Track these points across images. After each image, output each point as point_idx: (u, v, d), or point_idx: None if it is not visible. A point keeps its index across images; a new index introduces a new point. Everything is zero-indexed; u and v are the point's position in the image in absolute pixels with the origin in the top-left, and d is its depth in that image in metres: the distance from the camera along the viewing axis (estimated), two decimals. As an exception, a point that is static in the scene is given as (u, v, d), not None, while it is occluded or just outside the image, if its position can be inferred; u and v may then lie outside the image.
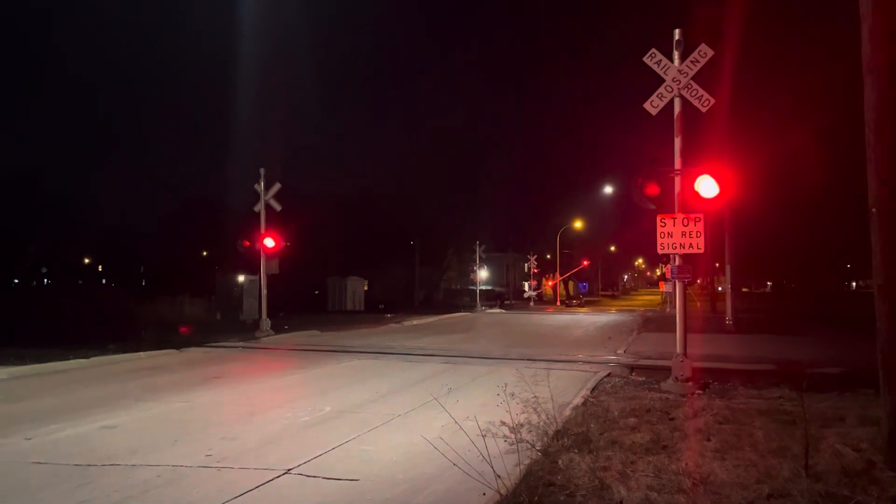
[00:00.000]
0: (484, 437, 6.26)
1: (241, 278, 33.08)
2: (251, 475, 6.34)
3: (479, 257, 50.09)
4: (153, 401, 10.25)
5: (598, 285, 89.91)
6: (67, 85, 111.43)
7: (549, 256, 68.62)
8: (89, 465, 6.61)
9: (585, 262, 64.18)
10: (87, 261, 72.02)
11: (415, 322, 31.14)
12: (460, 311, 43.19)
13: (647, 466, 6.09)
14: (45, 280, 63.93)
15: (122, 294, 42.61)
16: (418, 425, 8.39)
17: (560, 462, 6.19)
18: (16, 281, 59.35)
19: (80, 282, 58.14)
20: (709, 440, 7.14)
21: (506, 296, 62.68)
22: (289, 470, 6.49)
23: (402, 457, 7.07)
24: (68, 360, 14.76)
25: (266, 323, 22.64)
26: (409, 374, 13.44)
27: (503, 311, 48.41)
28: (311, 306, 39.96)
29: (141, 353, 16.46)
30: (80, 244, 67.62)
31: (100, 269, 72.45)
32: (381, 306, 43.77)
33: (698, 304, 49.47)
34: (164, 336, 20.14)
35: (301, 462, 6.73)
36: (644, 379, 12.27)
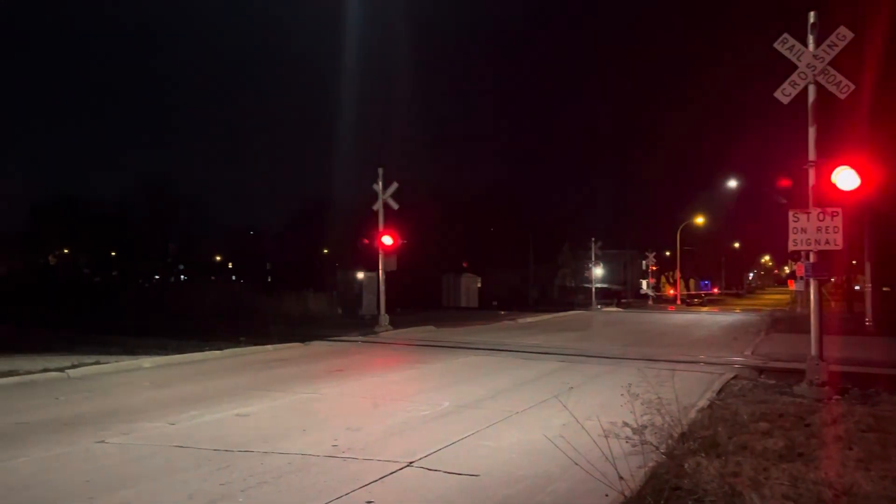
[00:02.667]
0: (606, 437, 6.14)
1: (360, 275, 34.07)
2: (375, 466, 6.52)
3: (595, 254, 49.18)
4: (282, 391, 10.76)
5: (722, 283, 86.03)
6: (196, 95, 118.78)
7: (668, 253, 66.34)
8: (226, 451, 7.02)
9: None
10: (218, 258, 76.45)
11: (529, 319, 30.99)
12: (575, 310, 42.57)
13: (781, 474, 5.77)
14: (182, 276, 68.34)
15: (250, 290, 45.02)
16: (537, 423, 8.35)
17: (686, 466, 5.97)
18: (156, 276, 63.97)
19: (213, 278, 61.78)
20: (850, 449, 6.68)
21: (623, 294, 61.20)
22: (411, 462, 6.63)
23: (521, 454, 7.06)
24: (204, 350, 15.74)
25: (384, 318, 23.22)
26: (525, 371, 13.39)
27: (620, 309, 47.31)
28: (425, 303, 40.60)
29: (269, 346, 17.29)
30: (212, 243, 71.93)
31: (230, 266, 76.66)
32: (495, 303, 43.84)
33: (833, 304, 46.32)
34: (290, 330, 21.06)
35: (422, 455, 6.86)
36: (774, 382, 11.62)
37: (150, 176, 64.11)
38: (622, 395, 8.49)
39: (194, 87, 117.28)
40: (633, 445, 6.47)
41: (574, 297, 54.06)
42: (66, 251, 67.43)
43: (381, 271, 23.90)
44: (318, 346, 18.33)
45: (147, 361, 13.86)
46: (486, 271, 50.37)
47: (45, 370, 12.16)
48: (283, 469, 6.39)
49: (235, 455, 6.86)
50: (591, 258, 49.38)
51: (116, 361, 13.52)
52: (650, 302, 57.44)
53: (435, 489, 5.92)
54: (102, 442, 7.38)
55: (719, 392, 10.50)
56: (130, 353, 14.70)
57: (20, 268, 61.21)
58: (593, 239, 48.97)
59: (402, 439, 7.64)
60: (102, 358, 13.76)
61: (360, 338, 20.56)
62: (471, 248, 50.33)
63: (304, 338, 19.21)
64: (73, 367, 12.62)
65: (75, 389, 10.87)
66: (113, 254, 65.41)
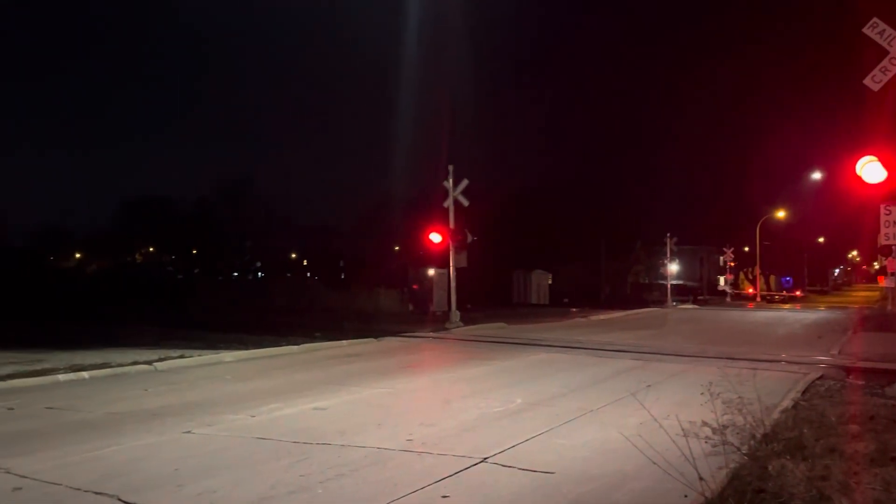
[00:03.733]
0: (685, 436, 6.00)
1: (431, 272, 34.33)
2: (449, 461, 6.57)
3: (670, 250, 48.06)
4: (357, 385, 10.96)
5: (805, 280, 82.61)
6: (272, 97, 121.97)
7: (746, 249, 64.16)
8: (305, 443, 7.20)
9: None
10: (293, 256, 78.33)
11: (601, 317, 30.55)
12: (649, 307, 41.70)
13: (873, 479, 5.51)
14: (259, 273, 70.36)
15: (323, 286, 46.01)
16: (612, 421, 8.24)
17: (770, 468, 5.77)
18: (235, 274, 66.11)
19: (288, 275, 63.39)
20: (949, 454, 6.31)
21: (699, 291, 59.57)
22: (485, 458, 6.64)
23: (596, 452, 6.98)
24: (281, 346, 16.20)
25: (455, 315, 23.33)
26: (598, 369, 13.23)
27: (696, 306, 46.08)
28: (496, 299, 40.56)
29: (343, 342, 17.63)
30: (288, 241, 73.72)
31: (304, 263, 78.40)
32: (566, 300, 43.40)
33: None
34: (363, 326, 21.42)
35: (496, 451, 6.87)
36: (864, 383, 11.10)
37: (230, 176, 66.34)
38: (701, 394, 8.28)
39: (269, 88, 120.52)
40: (714, 446, 6.31)
41: (648, 294, 52.98)
42: (151, 249, 70.50)
43: (451, 268, 24.02)
44: (390, 341, 18.57)
45: (228, 356, 14.36)
46: (557, 268, 49.91)
47: (135, 363, 12.76)
48: (360, 462, 6.51)
49: (313, 447, 7.02)
50: (665, 254, 48.27)
51: (199, 355, 14.07)
52: (728, 299, 55.74)
53: (509, 485, 5.92)
54: (189, 432, 7.69)
55: (804, 392, 10.11)
56: (212, 348, 15.27)
57: (109, 266, 64.38)
58: (668, 234, 47.84)
59: (475, 435, 7.67)
60: (187, 352, 14.35)
61: (432, 334, 20.72)
62: (542, 245, 49.95)
63: (376, 333, 19.50)
64: (160, 360, 13.20)
65: (162, 382, 11.37)
66: (195, 252, 67.96)
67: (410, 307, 33.80)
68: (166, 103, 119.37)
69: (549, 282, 48.22)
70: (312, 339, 17.64)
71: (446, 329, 22.09)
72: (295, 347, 16.22)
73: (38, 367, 12.17)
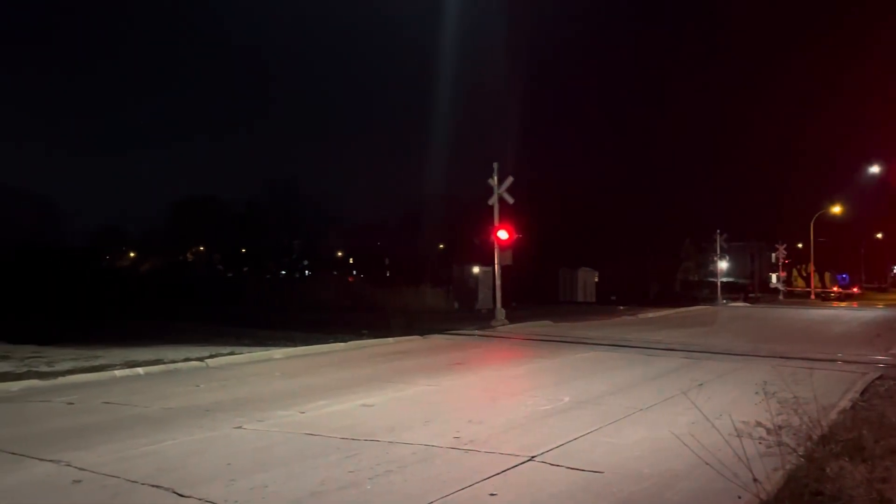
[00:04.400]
0: (739, 436, 5.87)
1: (475, 269, 34.30)
2: (497, 459, 6.55)
3: (720, 247, 47.12)
4: (404, 383, 11.02)
5: (862, 277, 79.99)
6: (318, 98, 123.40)
7: (800, 245, 62.46)
8: (353, 439, 7.27)
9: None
10: (339, 254, 79.19)
11: (650, 315, 30.11)
12: (699, 305, 40.96)
13: (938, 482, 5.31)
14: (306, 272, 71.32)
15: (369, 284, 46.38)
16: (663, 420, 8.11)
17: (828, 470, 5.60)
18: (283, 272, 67.18)
19: (335, 273, 64.11)
20: None
21: (750, 288, 58.24)
22: (533, 457, 6.61)
23: (646, 451, 6.88)
24: (329, 343, 16.38)
25: (501, 312, 23.27)
26: (647, 367, 13.04)
27: (748, 304, 45.09)
28: (541, 297, 40.30)
29: (389, 339, 17.74)
30: (334, 239, 74.59)
31: (350, 261, 79.18)
32: (613, 298, 42.88)
33: None
34: (408, 323, 21.51)
35: (544, 450, 6.82)
36: (927, 383, 10.69)
37: (278, 176, 67.48)
38: (756, 393, 8.10)
39: (313, 88, 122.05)
40: (768, 446, 6.17)
41: (698, 291, 52.00)
42: (201, 249, 72.12)
43: (496, 265, 23.96)
44: (436, 339, 18.61)
45: (277, 352, 14.58)
46: (604, 265, 49.34)
47: (187, 360, 13.05)
48: (408, 459, 6.54)
49: (362, 444, 7.08)
50: (715, 251, 47.32)
51: (249, 352, 14.32)
52: (781, 297, 54.36)
53: (558, 484, 5.88)
54: (240, 428, 7.84)
55: (862, 392, 9.80)
56: (261, 345, 15.53)
57: (161, 265, 66.07)
58: (718, 231, 46.87)
59: (523, 433, 7.63)
60: (237, 349, 14.62)
61: (477, 332, 20.69)
62: (588, 242, 49.45)
63: (422, 331, 19.56)
64: (211, 357, 13.48)
65: (213, 378, 11.60)
66: (243, 251, 69.28)
67: (455, 305, 33.82)
68: (217, 105, 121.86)
69: (596, 279, 47.70)
70: (359, 337, 17.79)
71: (492, 327, 22.04)
72: (342, 344, 16.39)
73: (96, 363, 12.55)
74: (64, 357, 13.34)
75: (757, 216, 59.68)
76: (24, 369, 11.77)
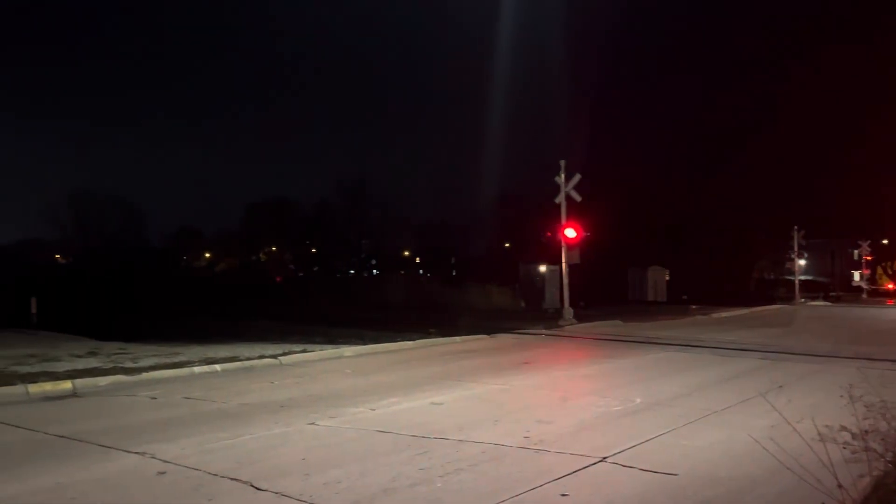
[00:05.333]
0: (822, 441, 5.66)
1: (542, 268, 34.09)
2: (567, 460, 6.50)
3: (798, 244, 45.37)
4: (472, 382, 11.05)
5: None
6: (385, 99, 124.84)
7: (885, 242, 59.54)
8: (423, 437, 7.33)
9: None
10: (406, 253, 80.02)
11: (723, 314, 29.26)
12: (776, 304, 39.58)
13: None
14: (374, 271, 72.33)
15: (436, 283, 46.67)
16: (739, 423, 7.87)
17: (920, 478, 5.34)
18: (351, 271, 68.30)
19: (402, 272, 64.79)
20: None
21: (831, 287, 55.88)
22: (604, 458, 6.53)
23: (722, 454, 6.70)
24: (397, 341, 16.57)
25: (568, 312, 23.05)
26: (721, 368, 12.68)
27: (828, 303, 43.31)
28: (610, 296, 39.72)
29: (457, 338, 17.81)
30: (401, 239, 75.44)
31: (417, 260, 79.92)
32: (685, 297, 41.87)
33: None
34: (476, 322, 21.55)
35: (616, 451, 6.73)
36: None
37: (348, 177, 68.65)
38: (840, 396, 7.78)
39: (382, 88, 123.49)
40: (853, 452, 5.91)
41: (774, 290, 50.24)
42: (273, 249, 74.08)
43: (563, 264, 23.74)
44: (503, 338, 18.58)
45: (347, 350, 14.84)
46: (675, 264, 48.24)
47: (262, 357, 13.43)
48: (478, 457, 6.56)
49: (432, 442, 7.14)
50: (792, 248, 45.61)
51: (321, 350, 14.63)
52: (864, 295, 51.96)
53: (631, 486, 5.79)
54: (313, 424, 8.02)
55: (957, 397, 9.26)
56: (332, 343, 15.85)
57: (236, 264, 68.15)
58: (795, 227, 45.15)
59: (593, 434, 7.54)
60: (308, 347, 14.97)
61: (545, 331, 20.55)
62: (659, 240, 48.42)
63: (489, 330, 19.56)
64: (284, 354, 13.83)
65: (287, 375, 11.90)
66: (314, 251, 70.81)
67: (522, 304, 33.69)
68: (287, 109, 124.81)
69: (667, 278, 46.66)
70: (427, 336, 17.93)
71: (559, 326, 21.86)
72: (410, 343, 16.55)
73: (176, 359, 13.05)
74: (147, 353, 13.93)
75: (838, 212, 57.21)
76: (111, 365, 12.35)
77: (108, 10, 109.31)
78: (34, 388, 10.16)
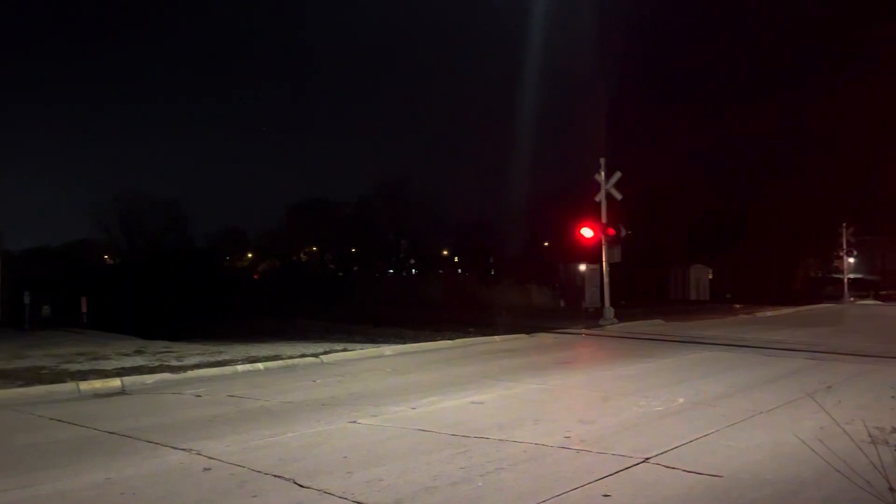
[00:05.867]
0: (874, 443, 5.51)
1: (582, 267, 33.82)
2: (609, 460, 6.44)
3: (847, 241, 44.20)
4: (512, 381, 11.03)
5: None
6: (422, 100, 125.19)
7: (939, 238, 57.60)
8: (464, 436, 7.34)
9: None
10: (445, 253, 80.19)
11: (768, 313, 28.69)
12: (823, 302, 38.64)
13: None
14: (413, 270, 72.64)
15: (474, 282, 46.67)
16: (786, 424, 7.70)
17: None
18: (391, 271, 68.67)
19: (440, 271, 64.95)
20: None
21: (880, 285, 54.30)
22: (647, 459, 6.45)
23: (769, 456, 6.56)
24: (437, 340, 16.64)
25: (609, 311, 22.83)
26: (767, 368, 12.43)
27: (878, 302, 42.11)
28: (652, 295, 39.29)
29: (496, 337, 17.80)
30: (440, 238, 75.62)
31: (455, 259, 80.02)
32: (728, 296, 41.18)
33: None
34: (514, 321, 21.49)
35: (659, 452, 6.64)
36: None
37: (386, 178, 69.10)
38: (892, 397, 7.58)
39: (419, 88, 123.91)
40: (907, 455, 5.74)
41: (821, 289, 49.03)
42: (314, 249, 74.96)
43: (604, 263, 23.53)
44: (543, 337, 18.50)
45: (388, 349, 14.95)
46: (718, 262, 47.42)
47: (303, 356, 13.61)
48: (519, 457, 6.54)
49: (472, 441, 7.15)
50: (841, 246, 44.45)
51: (361, 349, 14.76)
52: (917, 294, 50.35)
53: (674, 487, 5.71)
54: (355, 422, 8.09)
55: None
56: (372, 342, 15.98)
57: (278, 264, 69.11)
58: (843, 224, 43.99)
59: (635, 434, 7.46)
60: (349, 345, 15.12)
61: (585, 330, 20.41)
62: (701, 238, 47.64)
63: (529, 329, 19.50)
64: (325, 353, 13.99)
65: (328, 373, 12.03)
66: (353, 250, 71.43)
67: (562, 303, 33.49)
68: (327, 108, 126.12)
69: (710, 276, 45.91)
70: (466, 335, 17.95)
71: (600, 326, 21.67)
72: (449, 342, 16.59)
73: (220, 358, 13.30)
74: (191, 352, 14.22)
75: (888, 209, 55.44)
76: (157, 363, 12.64)
77: (153, 17, 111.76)
78: (85, 386, 10.46)
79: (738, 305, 33.90)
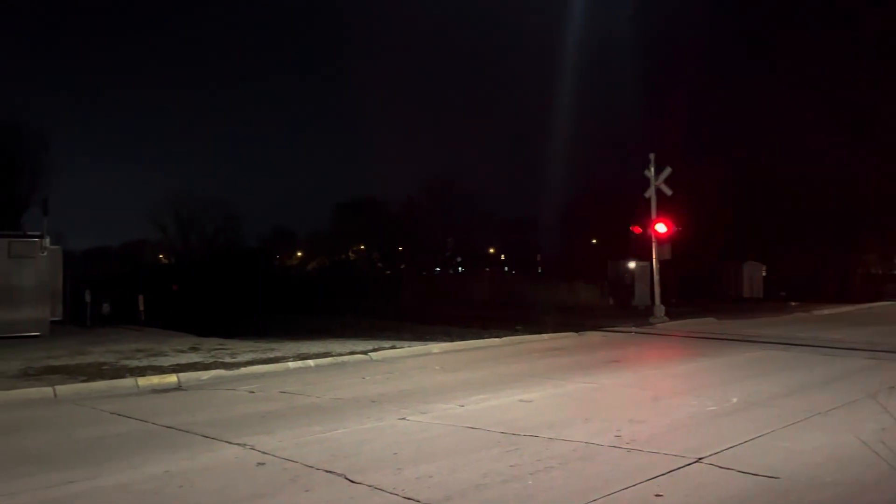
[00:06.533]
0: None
1: (631, 265, 33.37)
2: (661, 460, 6.35)
3: (909, 236, 42.55)
4: (561, 379, 10.96)
5: None
6: (466, 99, 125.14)
7: None
8: (513, 434, 7.33)
9: None
10: (491, 250, 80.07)
11: (825, 311, 27.84)
12: (884, 300, 37.30)
13: None
14: (459, 268, 72.73)
15: (521, 280, 46.51)
16: (846, 425, 7.48)
17: None
18: (437, 269, 68.89)
19: (487, 269, 64.88)
20: None
21: (947, 282, 52.16)
22: (700, 459, 6.34)
23: (827, 458, 6.38)
24: (484, 338, 16.62)
25: (660, 309, 22.50)
26: (824, 368, 12.08)
27: (945, 299, 40.40)
28: (703, 293, 38.48)
29: (544, 335, 17.70)
30: (486, 236, 75.54)
31: (502, 257, 79.85)
32: (783, 293, 40.07)
33: None
34: (562, 319, 21.32)
35: (712, 452, 6.52)
36: None
37: (433, 176, 69.36)
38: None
39: (467, 85, 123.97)
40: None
41: (882, 286, 47.28)
42: (361, 247, 75.77)
43: (654, 260, 23.18)
44: (592, 336, 18.33)
45: (435, 347, 15.01)
46: (772, 258, 46.21)
47: (352, 353, 13.77)
48: (569, 456, 6.50)
49: (522, 439, 7.13)
50: (902, 241, 42.85)
51: (409, 346, 14.85)
52: (985, 291, 48.24)
53: (729, 488, 5.60)
54: (404, 419, 8.16)
55: None
56: (420, 339, 16.07)
57: (326, 263, 70.06)
58: (906, 218, 42.39)
59: (688, 434, 7.35)
60: (397, 343, 15.23)
61: (635, 329, 20.13)
62: (755, 234, 46.50)
63: (577, 328, 19.33)
64: (374, 350, 14.13)
65: (377, 370, 12.15)
66: (400, 249, 71.91)
67: (610, 301, 33.08)
68: (375, 108, 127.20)
69: (764, 273, 44.76)
70: (513, 333, 17.89)
71: (650, 324, 21.36)
72: (497, 340, 16.56)
73: (272, 355, 13.55)
74: (244, 349, 14.52)
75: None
76: (212, 360, 12.95)
77: (202, 22, 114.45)
78: (143, 382, 10.79)
79: (793, 303, 32.98)
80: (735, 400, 9.07)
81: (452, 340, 15.98)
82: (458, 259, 74.49)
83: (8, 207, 48.47)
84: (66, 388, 10.23)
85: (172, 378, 11.08)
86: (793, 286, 42.23)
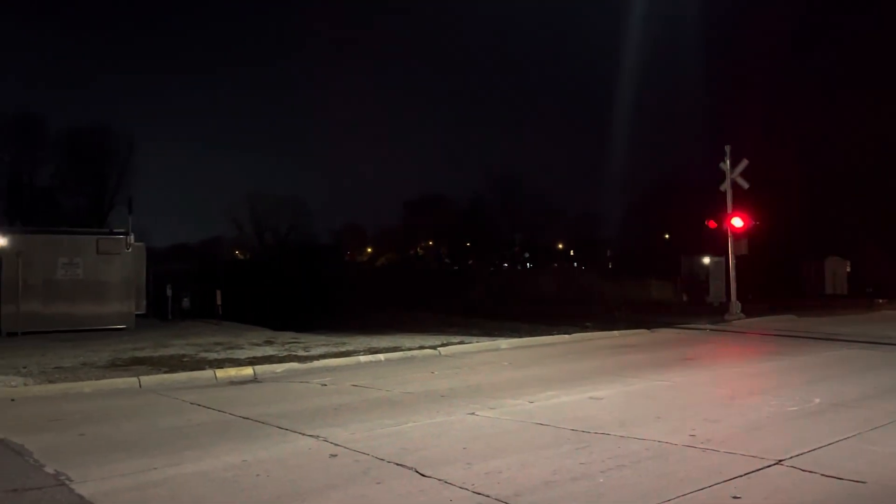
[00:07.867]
0: None
1: (706, 260, 32.51)
2: (738, 461, 6.17)
3: None
4: (632, 377, 10.77)
5: None
6: (537, 96, 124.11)
7: None
8: (583, 431, 7.25)
9: None
10: (560, 246, 79.28)
11: (917, 309, 26.45)
12: (982, 297, 35.12)
13: None
14: (527, 264, 72.35)
15: (591, 276, 45.91)
16: (939, 430, 7.09)
17: None
18: (505, 264, 68.74)
19: (555, 265, 64.31)
20: None
21: None
22: (780, 461, 6.12)
23: (919, 464, 6.06)
24: (553, 334, 16.51)
25: (736, 306, 21.83)
26: (916, 368, 11.48)
27: None
28: (782, 290, 37.10)
29: (614, 332, 17.43)
30: (554, 231, 74.86)
31: (571, 253, 78.97)
32: (870, 290, 38.20)
33: None
34: (634, 316, 20.97)
35: (793, 454, 6.29)
36: None
37: (500, 172, 69.28)
38: None
39: (530, 84, 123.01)
40: None
41: (979, 281, 44.56)
42: (430, 243, 76.31)
43: (730, 255, 22.49)
44: (664, 333, 17.95)
45: (504, 343, 14.99)
46: (857, 254, 44.13)
47: (421, 347, 13.89)
48: (641, 454, 6.39)
49: (592, 436, 7.04)
50: None
51: (478, 342, 14.88)
52: None
53: (811, 492, 5.39)
54: (473, 414, 8.18)
55: None
56: (488, 335, 16.08)
57: (396, 258, 70.88)
58: None
59: (766, 435, 7.10)
60: (466, 338, 15.29)
61: (709, 326, 19.61)
62: (838, 228, 44.52)
63: (649, 324, 18.98)
64: (443, 345, 14.22)
65: (446, 365, 12.22)
66: (468, 244, 72.08)
67: (684, 297, 32.34)
68: (447, 107, 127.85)
69: (847, 269, 42.81)
70: (583, 329, 17.70)
71: (725, 321, 20.75)
72: (567, 336, 16.42)
73: (343, 349, 13.81)
74: (316, 343, 14.85)
75: None
76: (286, 353, 13.30)
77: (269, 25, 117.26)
78: (221, 373, 11.18)
79: (881, 300, 31.44)
80: (818, 400, 8.71)
81: (521, 336, 15.93)
82: (526, 254, 74.08)
83: (97, 207, 50.95)
84: (150, 379, 10.70)
85: (248, 370, 11.44)
86: (880, 283, 40.21)
